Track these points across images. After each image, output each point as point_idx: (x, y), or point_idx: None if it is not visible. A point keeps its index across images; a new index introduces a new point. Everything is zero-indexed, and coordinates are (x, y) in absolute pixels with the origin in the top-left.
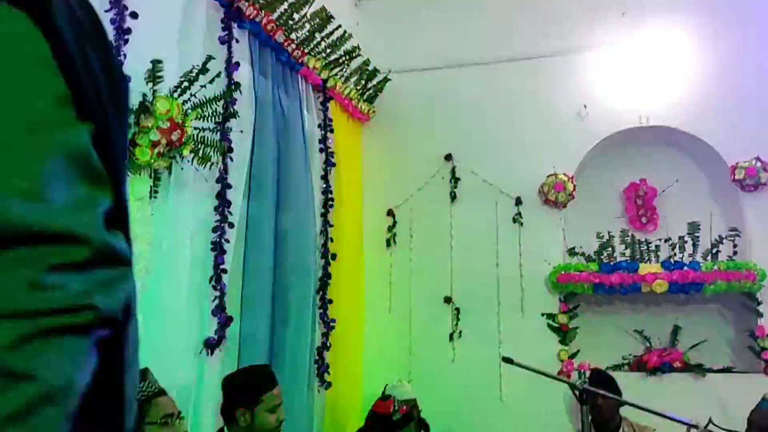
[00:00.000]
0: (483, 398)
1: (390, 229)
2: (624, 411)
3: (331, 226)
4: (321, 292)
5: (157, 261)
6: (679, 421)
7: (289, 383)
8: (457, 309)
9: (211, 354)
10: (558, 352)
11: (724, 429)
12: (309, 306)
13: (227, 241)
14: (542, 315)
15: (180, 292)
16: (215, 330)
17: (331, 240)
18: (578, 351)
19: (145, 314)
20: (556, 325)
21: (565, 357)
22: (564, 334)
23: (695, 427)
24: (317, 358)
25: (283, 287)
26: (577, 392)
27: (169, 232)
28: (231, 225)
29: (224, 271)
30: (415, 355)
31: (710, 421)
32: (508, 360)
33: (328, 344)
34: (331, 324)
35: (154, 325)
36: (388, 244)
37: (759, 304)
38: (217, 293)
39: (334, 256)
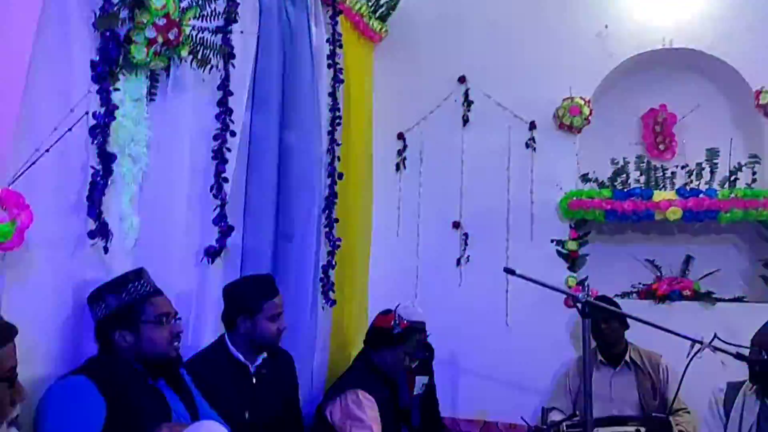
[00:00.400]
0: (489, 323)
1: (400, 153)
2: (630, 337)
3: (339, 144)
4: (327, 211)
5: (155, 165)
6: (683, 337)
7: (293, 299)
8: (466, 234)
9: (212, 262)
10: (566, 279)
11: (729, 344)
12: (314, 223)
13: (228, 149)
14: (552, 242)
15: (180, 198)
16: (216, 239)
17: (338, 159)
18: (586, 278)
19: (144, 218)
20: (565, 252)
21: (573, 284)
22: (573, 261)
23: (700, 342)
24: (322, 275)
25: (288, 203)
26: (579, 305)
27: (167, 136)
28: (233, 133)
29: (225, 179)
30: (422, 279)
31: (715, 336)
32: (510, 271)
33: (334, 263)
34: (337, 243)
35: (152, 228)
36: (398, 168)
37: None
38: (218, 202)
39: (340, 176)
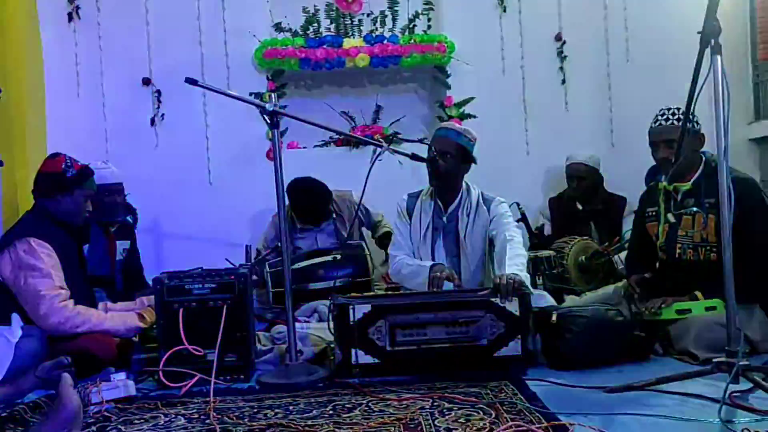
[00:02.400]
0: (191, 183)
1: (71, 1)
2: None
3: None
4: None
5: None
6: (366, 142)
7: None
8: (158, 91)
9: None
10: (267, 132)
11: (410, 141)
12: None
13: None
14: (250, 95)
15: None
16: None
17: None
18: (287, 129)
19: None
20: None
21: (271, 137)
22: (273, 119)
23: (380, 146)
24: None
25: None
26: (266, 116)
27: None
28: None
29: None
30: (113, 141)
31: (393, 137)
32: (191, 81)
33: None
34: None
35: None
36: (70, 18)
37: (448, 76)
38: None
39: None
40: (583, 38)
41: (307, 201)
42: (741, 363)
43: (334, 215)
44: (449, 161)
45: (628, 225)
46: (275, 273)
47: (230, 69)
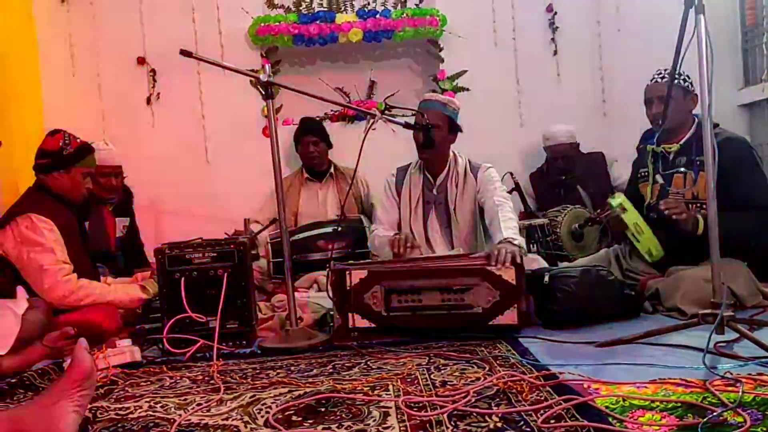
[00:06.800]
0: (189, 162)
1: None
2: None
3: None
4: None
5: None
6: (358, 111)
7: None
8: (153, 70)
9: None
10: (262, 109)
11: (401, 107)
12: None
13: None
14: None
15: None
16: None
17: None
18: (281, 106)
19: None
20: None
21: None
22: (267, 90)
23: (373, 115)
24: None
25: None
26: (260, 87)
27: None
28: None
29: None
30: (109, 121)
31: (386, 107)
32: (186, 53)
33: None
34: None
35: None
36: None
37: (441, 49)
38: None
39: None
40: (574, 9)
41: (316, 126)
42: (725, 314)
43: (336, 174)
44: (438, 133)
45: (613, 173)
46: (275, 244)
47: (224, 47)
